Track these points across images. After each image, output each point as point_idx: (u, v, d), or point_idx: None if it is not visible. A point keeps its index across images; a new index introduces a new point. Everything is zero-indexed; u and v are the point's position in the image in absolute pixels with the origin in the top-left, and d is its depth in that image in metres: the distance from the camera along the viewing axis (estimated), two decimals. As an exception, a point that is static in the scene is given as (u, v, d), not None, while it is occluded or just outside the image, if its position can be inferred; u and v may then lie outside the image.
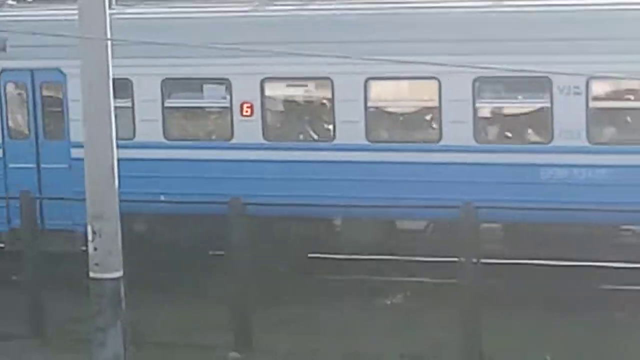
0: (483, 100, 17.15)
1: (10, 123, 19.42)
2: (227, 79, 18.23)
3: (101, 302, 14.67)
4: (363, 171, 17.54)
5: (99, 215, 14.47)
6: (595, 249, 16.88)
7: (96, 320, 14.70)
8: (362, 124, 17.57)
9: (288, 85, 18.45)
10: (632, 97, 17.06)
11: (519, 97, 17.40)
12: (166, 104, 18.63)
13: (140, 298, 15.62)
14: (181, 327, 16.91)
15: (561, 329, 15.75)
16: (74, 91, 17.51)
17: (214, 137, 18.83)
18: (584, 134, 16.64)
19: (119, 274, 14.64)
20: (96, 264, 14.48)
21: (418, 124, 17.94)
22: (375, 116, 17.77)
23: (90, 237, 14.58)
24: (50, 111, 19.30)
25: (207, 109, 19.06)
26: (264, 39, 17.77)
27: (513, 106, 17.47)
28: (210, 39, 17.47)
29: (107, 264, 14.54)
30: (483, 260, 14.85)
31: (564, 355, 14.98)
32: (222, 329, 16.17)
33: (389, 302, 17.88)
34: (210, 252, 18.52)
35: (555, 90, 16.88)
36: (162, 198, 17.97)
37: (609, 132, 17.25)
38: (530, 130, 17.43)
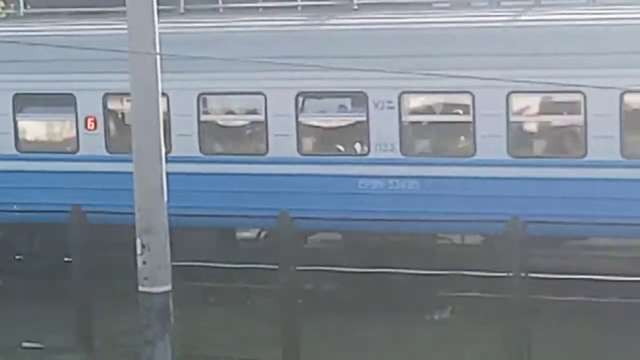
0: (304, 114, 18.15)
1: None
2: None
3: (150, 315, 14.68)
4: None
5: (147, 230, 14.48)
6: (417, 258, 17.56)
7: (145, 334, 14.72)
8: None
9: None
10: (441, 111, 17.89)
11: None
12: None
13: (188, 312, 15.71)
14: (230, 341, 16.81)
15: (608, 344, 15.67)
16: None
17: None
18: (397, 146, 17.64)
19: (168, 287, 14.62)
20: (145, 278, 14.49)
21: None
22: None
23: (139, 251, 14.59)
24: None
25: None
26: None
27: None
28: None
29: (155, 278, 14.53)
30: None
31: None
32: (270, 344, 16.10)
33: (436, 317, 17.85)
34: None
35: (370, 104, 17.75)
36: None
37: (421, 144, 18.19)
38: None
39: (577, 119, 16.70)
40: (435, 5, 19.98)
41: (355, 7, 18.67)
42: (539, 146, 17.53)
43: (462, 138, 17.67)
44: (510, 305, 14.57)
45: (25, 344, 17.19)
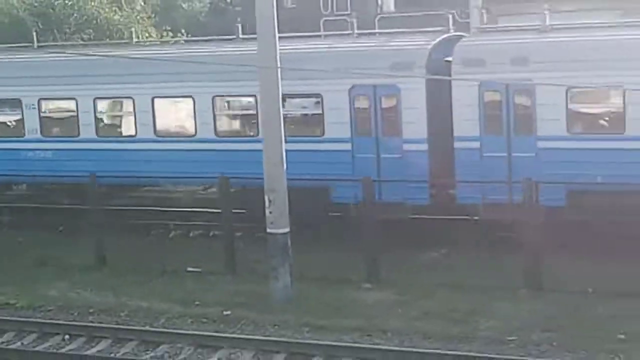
0: None
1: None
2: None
3: (274, 249, 17.94)
4: None
5: (272, 189, 17.87)
6: None
7: (271, 262, 18.03)
8: None
9: None
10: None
11: None
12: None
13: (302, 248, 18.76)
14: (329, 267, 19.65)
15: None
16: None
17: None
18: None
19: (287, 229, 17.96)
20: (271, 223, 17.89)
21: None
22: None
23: (267, 204, 17.88)
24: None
25: None
26: None
27: None
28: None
29: (278, 223, 17.89)
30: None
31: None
32: (356, 267, 19.10)
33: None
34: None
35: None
36: None
37: None
38: None
39: None
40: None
41: None
42: None
43: None
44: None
45: (189, 269, 20.49)
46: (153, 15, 45.61)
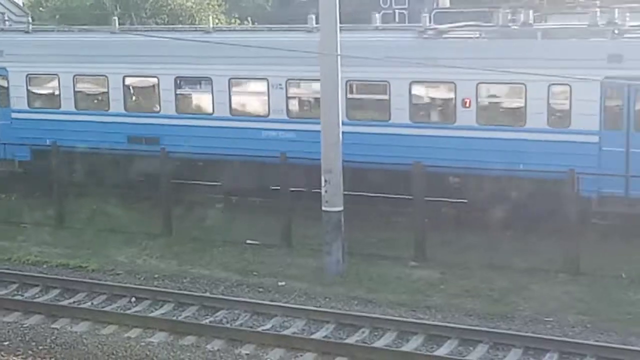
0: None
1: None
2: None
3: (328, 226, 18.10)
4: None
5: (329, 170, 17.96)
6: None
7: (325, 238, 18.22)
8: None
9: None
10: None
11: None
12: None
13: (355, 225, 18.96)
14: (379, 244, 19.88)
15: None
16: None
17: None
18: None
19: (340, 208, 18.05)
20: (326, 201, 18.04)
21: None
22: None
23: (323, 184, 18.00)
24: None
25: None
26: None
27: None
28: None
29: (333, 201, 18.03)
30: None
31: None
32: (406, 246, 19.22)
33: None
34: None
35: None
36: None
37: None
38: None
39: None
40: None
41: None
42: None
43: None
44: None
45: (248, 241, 20.62)
46: (223, 2, 45.97)
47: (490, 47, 20.79)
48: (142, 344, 15.43)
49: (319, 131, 18.42)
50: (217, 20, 40.11)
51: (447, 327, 15.49)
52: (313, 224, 19.43)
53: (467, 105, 20.68)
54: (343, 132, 18.34)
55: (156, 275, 18.89)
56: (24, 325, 16.39)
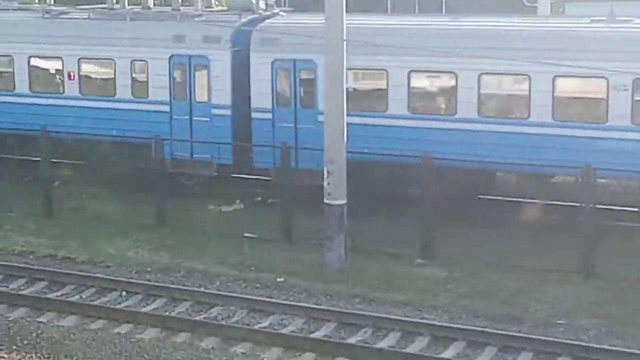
0: None
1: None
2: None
3: (330, 220, 17.89)
4: None
5: (332, 161, 17.75)
6: None
7: (326, 232, 18.00)
8: None
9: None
10: None
11: None
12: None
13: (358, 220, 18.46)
14: (384, 241, 19.24)
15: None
16: None
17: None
18: None
19: (344, 201, 17.83)
20: (329, 194, 17.83)
21: None
22: None
23: (325, 176, 17.83)
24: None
25: None
26: None
27: None
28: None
29: (335, 194, 17.80)
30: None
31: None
32: (410, 244, 18.74)
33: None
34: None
35: None
36: None
37: None
38: None
39: None
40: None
41: None
42: None
43: None
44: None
45: (246, 234, 20.25)
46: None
47: (89, 27, 24.69)
48: (133, 340, 15.20)
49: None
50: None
51: (454, 328, 15.24)
52: (315, 217, 18.99)
53: (72, 77, 24.21)
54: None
55: (148, 269, 18.60)
56: (9, 319, 16.13)
